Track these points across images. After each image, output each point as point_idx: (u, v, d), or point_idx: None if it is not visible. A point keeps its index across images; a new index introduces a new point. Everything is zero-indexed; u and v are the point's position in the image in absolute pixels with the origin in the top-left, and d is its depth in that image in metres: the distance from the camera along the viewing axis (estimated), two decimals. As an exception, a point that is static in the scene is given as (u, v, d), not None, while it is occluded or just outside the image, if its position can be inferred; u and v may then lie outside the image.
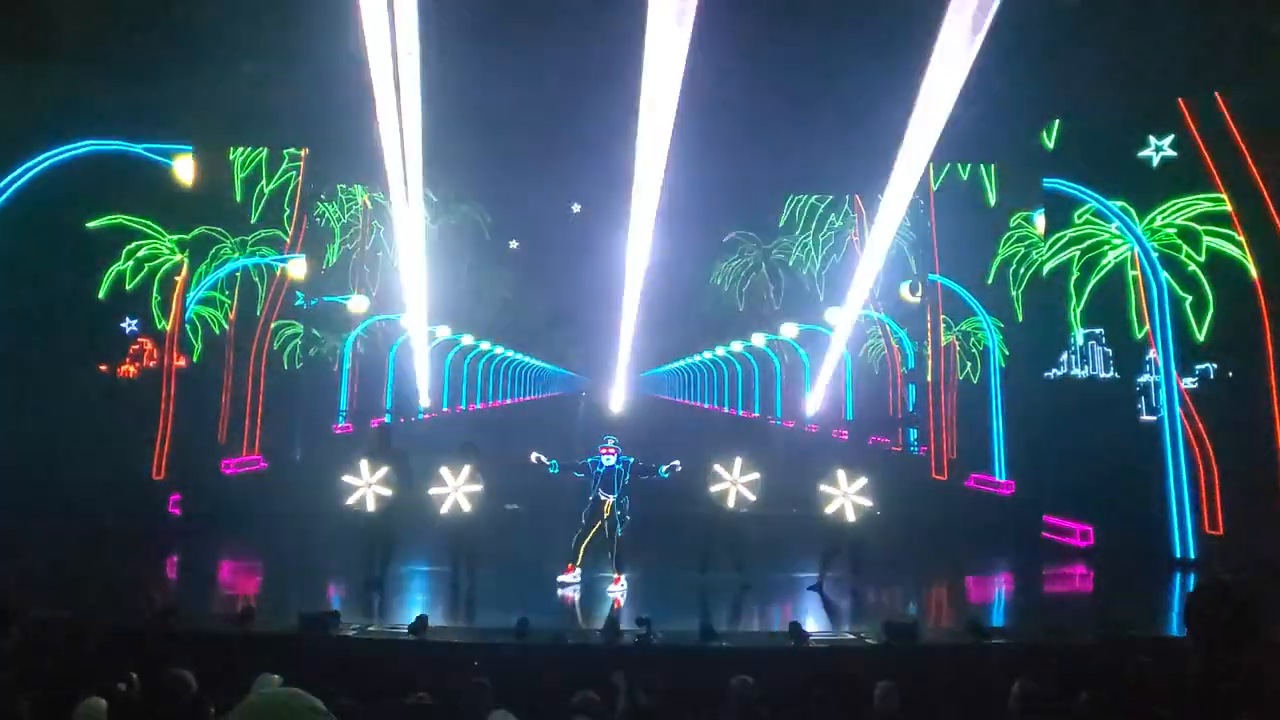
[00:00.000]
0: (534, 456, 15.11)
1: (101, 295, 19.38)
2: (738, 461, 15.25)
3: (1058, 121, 19.66)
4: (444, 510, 14.50)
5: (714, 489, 15.07)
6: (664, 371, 34.10)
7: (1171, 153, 18.13)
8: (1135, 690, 10.46)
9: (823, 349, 27.72)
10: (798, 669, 10.54)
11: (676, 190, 24.11)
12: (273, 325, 22.39)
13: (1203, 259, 17.69)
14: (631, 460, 14.94)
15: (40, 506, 17.37)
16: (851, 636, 11.92)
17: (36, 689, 7.64)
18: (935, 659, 11.15)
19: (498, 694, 8.17)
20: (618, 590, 14.49)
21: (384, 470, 14.40)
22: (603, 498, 14.75)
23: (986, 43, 17.09)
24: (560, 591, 14.44)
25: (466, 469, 14.53)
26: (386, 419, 14.05)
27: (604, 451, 14.93)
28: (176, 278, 20.29)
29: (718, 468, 15.23)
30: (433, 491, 14.54)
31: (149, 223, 19.83)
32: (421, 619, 11.27)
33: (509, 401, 34.61)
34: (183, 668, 8.04)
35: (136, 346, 19.81)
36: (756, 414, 31.36)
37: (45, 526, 16.92)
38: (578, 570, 14.69)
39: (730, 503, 15.03)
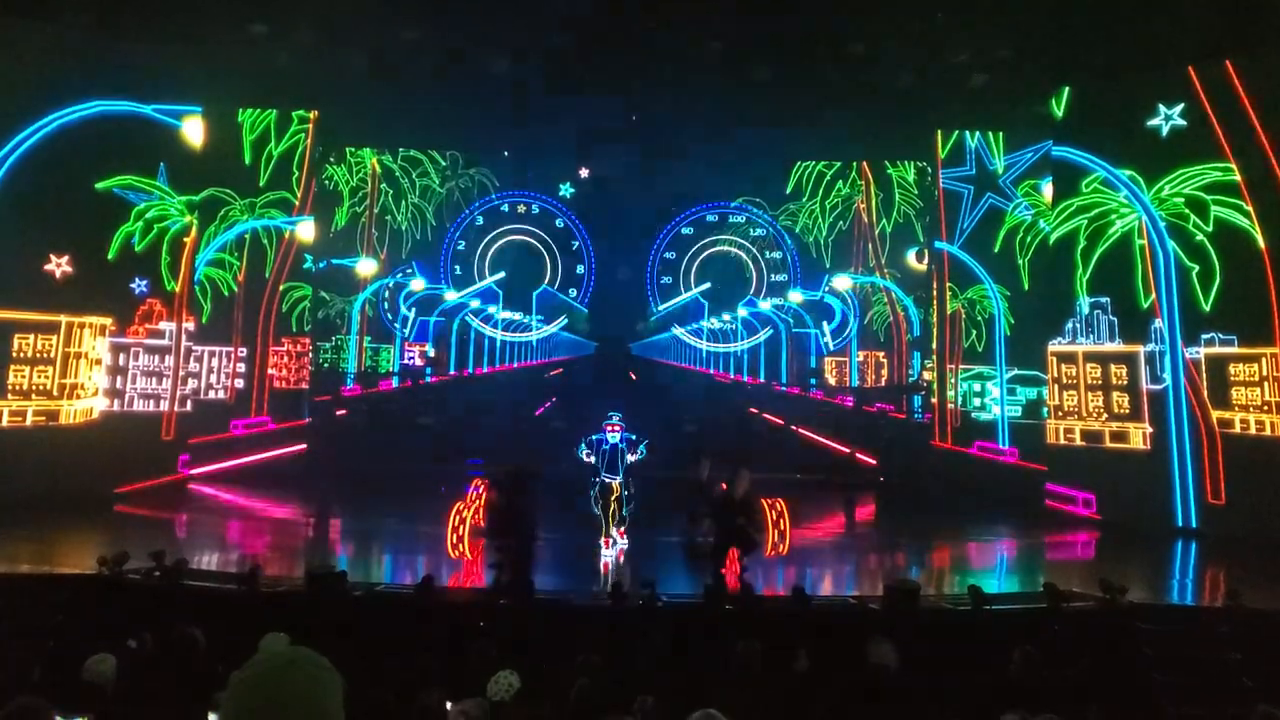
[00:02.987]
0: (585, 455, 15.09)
1: (111, 256, 19.41)
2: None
3: (1067, 90, 19.56)
4: None
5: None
6: (669, 336, 34.07)
7: (1181, 122, 18.03)
8: (1135, 656, 10.59)
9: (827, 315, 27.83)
10: (801, 633, 10.63)
11: (683, 156, 24.20)
12: (281, 287, 22.45)
13: (1210, 229, 17.63)
14: (633, 438, 15.04)
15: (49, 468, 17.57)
16: (854, 601, 12.00)
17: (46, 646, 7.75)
18: (937, 624, 11.24)
19: (502, 655, 8.26)
20: (619, 545, 14.72)
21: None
22: (608, 480, 14.87)
23: (997, 9, 17.05)
24: (601, 558, 14.69)
25: None
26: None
27: (609, 429, 15.03)
28: (185, 239, 20.36)
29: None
30: None
31: (158, 184, 19.83)
32: (428, 579, 11.38)
33: (515, 366, 34.63)
34: (192, 626, 8.13)
35: (145, 307, 19.87)
36: (762, 379, 31.33)
37: (54, 487, 17.10)
38: (613, 540, 14.98)
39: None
